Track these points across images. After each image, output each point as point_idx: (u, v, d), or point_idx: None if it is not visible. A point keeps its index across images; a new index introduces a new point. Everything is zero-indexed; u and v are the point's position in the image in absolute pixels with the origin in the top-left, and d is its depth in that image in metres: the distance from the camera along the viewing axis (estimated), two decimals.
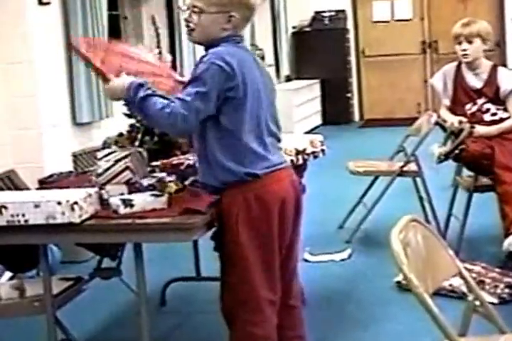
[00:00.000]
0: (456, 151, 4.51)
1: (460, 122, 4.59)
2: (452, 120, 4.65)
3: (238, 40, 2.79)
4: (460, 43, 4.68)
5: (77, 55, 2.89)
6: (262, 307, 2.77)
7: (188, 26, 2.78)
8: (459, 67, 4.82)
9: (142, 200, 2.77)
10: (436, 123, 4.97)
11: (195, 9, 2.73)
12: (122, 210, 2.73)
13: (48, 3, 5.17)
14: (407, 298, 3.85)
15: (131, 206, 2.74)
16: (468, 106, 4.72)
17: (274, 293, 2.81)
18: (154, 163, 3.18)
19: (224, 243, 2.78)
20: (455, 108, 4.81)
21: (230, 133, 2.69)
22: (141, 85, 2.68)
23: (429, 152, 4.69)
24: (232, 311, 2.80)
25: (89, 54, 2.86)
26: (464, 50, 4.67)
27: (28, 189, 3.83)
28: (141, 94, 2.65)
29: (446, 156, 4.56)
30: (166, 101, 2.64)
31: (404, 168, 5.21)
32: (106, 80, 2.79)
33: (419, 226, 2.30)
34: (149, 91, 2.67)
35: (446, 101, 4.86)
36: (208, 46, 2.77)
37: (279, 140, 2.88)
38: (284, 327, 2.91)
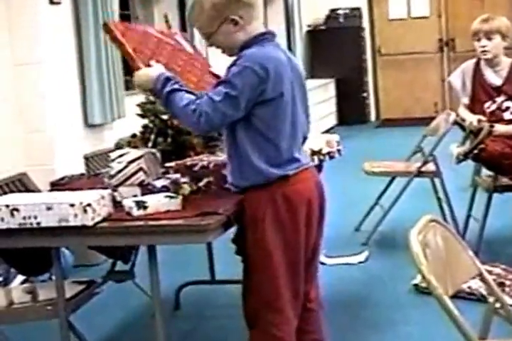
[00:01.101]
0: (475, 151, 4.45)
1: (479, 121, 4.54)
2: (471, 119, 4.59)
3: (269, 37, 2.70)
4: (479, 40, 4.63)
5: (111, 38, 2.78)
6: (285, 308, 2.74)
7: (219, 48, 2.74)
8: (477, 64, 4.77)
9: (156, 202, 2.73)
10: (455, 123, 4.92)
11: (205, 36, 2.71)
12: (136, 212, 2.70)
13: (58, 3, 5.16)
14: (425, 301, 3.83)
15: (145, 208, 2.71)
16: (487, 105, 4.66)
17: (298, 296, 2.78)
18: (168, 164, 3.14)
19: (248, 243, 2.74)
20: (474, 106, 4.76)
21: (264, 134, 2.64)
22: (168, 79, 2.63)
23: (448, 152, 4.64)
24: (255, 312, 2.77)
25: (123, 39, 2.79)
26: (483, 46, 4.61)
27: (39, 191, 3.80)
28: (168, 88, 2.61)
29: (465, 156, 4.50)
30: (192, 97, 2.59)
31: (422, 169, 5.17)
32: (136, 68, 2.72)
33: (439, 227, 2.26)
34: (176, 86, 2.62)
35: (465, 100, 4.81)
36: (241, 49, 2.67)
37: (305, 139, 2.85)
38: (303, 331, 2.88)
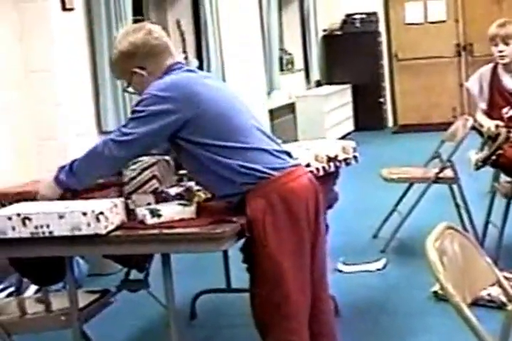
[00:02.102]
0: (494, 157, 4.41)
1: (497, 126, 4.50)
2: (489, 124, 4.55)
3: (175, 68, 2.81)
4: (496, 45, 4.60)
5: None
6: (296, 312, 2.73)
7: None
8: (495, 69, 4.73)
9: (170, 210, 2.70)
10: (473, 128, 4.88)
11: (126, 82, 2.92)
12: (149, 220, 2.67)
13: (71, 9, 5.16)
14: (445, 308, 3.77)
15: (159, 216, 2.68)
16: (505, 110, 4.62)
17: (307, 298, 2.76)
18: (182, 172, 3.11)
19: (253, 250, 2.72)
20: (491, 111, 4.72)
21: (216, 144, 2.67)
22: (61, 167, 2.80)
23: (466, 158, 4.59)
24: (266, 320, 2.74)
25: None
26: (501, 51, 4.59)
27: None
28: (67, 167, 2.79)
29: (484, 162, 4.45)
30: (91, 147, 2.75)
31: (440, 175, 5.12)
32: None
33: (456, 234, 2.24)
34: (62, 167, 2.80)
35: (483, 105, 4.77)
36: None
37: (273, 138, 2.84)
38: (314, 334, 2.86)
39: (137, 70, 2.80)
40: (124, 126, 2.72)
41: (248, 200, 2.68)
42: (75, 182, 2.78)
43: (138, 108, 2.70)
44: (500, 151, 4.41)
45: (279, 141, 2.89)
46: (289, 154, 2.82)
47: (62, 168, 2.80)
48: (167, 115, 2.65)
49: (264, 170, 2.67)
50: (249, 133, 2.73)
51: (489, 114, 4.73)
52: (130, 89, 2.90)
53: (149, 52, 2.79)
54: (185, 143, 2.70)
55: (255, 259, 2.72)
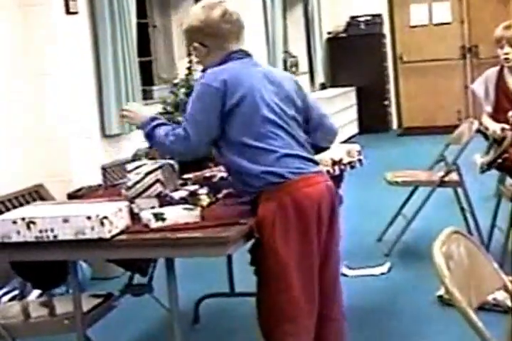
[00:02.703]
0: (499, 160, 4.39)
1: (502, 129, 4.48)
2: (494, 127, 4.53)
3: (236, 56, 2.84)
4: (502, 47, 4.59)
5: None
6: (300, 317, 2.72)
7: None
8: (501, 71, 4.72)
9: (174, 214, 2.69)
10: (478, 131, 4.86)
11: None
12: (154, 224, 2.66)
13: (75, 13, 5.17)
14: (450, 312, 3.73)
15: (163, 220, 2.67)
16: (511, 113, 4.59)
17: (313, 303, 2.75)
18: (186, 176, 3.10)
19: (261, 251, 2.72)
20: (497, 115, 4.70)
21: (242, 141, 2.70)
22: (152, 119, 2.87)
23: (472, 161, 4.57)
24: (270, 322, 2.74)
25: None
26: (507, 53, 4.56)
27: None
28: (150, 126, 2.85)
29: (489, 166, 4.43)
30: (169, 128, 2.81)
31: (445, 178, 5.10)
32: None
33: (462, 239, 2.22)
34: (158, 122, 2.85)
35: (488, 108, 4.75)
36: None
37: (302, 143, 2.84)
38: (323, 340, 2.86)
39: (198, 46, 2.85)
40: (184, 117, 2.79)
41: (261, 201, 2.71)
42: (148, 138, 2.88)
43: (191, 99, 2.77)
44: (506, 155, 4.39)
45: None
46: (313, 161, 2.83)
47: (152, 120, 2.87)
48: (215, 107, 2.70)
49: (282, 173, 2.69)
50: (276, 135, 2.73)
51: (495, 117, 4.70)
52: (193, 57, 2.97)
53: (214, 32, 2.83)
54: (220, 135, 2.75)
55: (262, 260, 2.73)
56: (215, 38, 2.83)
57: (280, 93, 2.81)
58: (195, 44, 2.85)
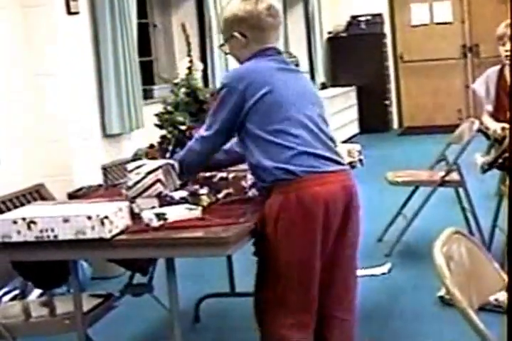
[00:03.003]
0: (500, 160, 4.37)
1: (503, 129, 4.47)
2: (495, 127, 4.53)
3: (267, 53, 2.85)
4: (504, 44, 4.57)
5: None
6: (297, 311, 2.73)
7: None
8: (501, 70, 4.71)
9: (176, 213, 2.69)
10: (479, 131, 4.85)
11: (222, 41, 2.96)
12: (155, 224, 2.65)
13: (76, 13, 5.16)
14: (451, 313, 3.73)
15: (165, 220, 2.66)
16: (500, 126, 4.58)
17: (311, 300, 2.75)
18: None
19: (263, 244, 2.75)
20: (498, 114, 4.70)
21: (261, 135, 2.72)
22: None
23: (473, 161, 4.56)
24: (266, 314, 2.77)
25: None
26: (508, 51, 4.55)
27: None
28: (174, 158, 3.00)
29: (490, 165, 4.42)
30: (187, 145, 2.94)
31: (446, 178, 5.09)
32: None
33: (463, 239, 2.21)
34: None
35: (489, 107, 4.75)
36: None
37: (332, 141, 2.86)
38: (323, 338, 2.86)
39: (238, 35, 2.84)
40: (208, 118, 2.84)
41: (269, 196, 2.73)
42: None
43: (218, 96, 2.80)
44: (506, 154, 4.38)
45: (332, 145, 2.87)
46: (333, 160, 2.79)
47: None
48: (236, 106, 2.74)
49: (294, 171, 2.68)
50: (296, 133, 2.73)
51: (496, 116, 4.70)
52: (224, 48, 2.96)
53: (258, 25, 2.83)
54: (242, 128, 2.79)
55: (263, 254, 2.76)
56: (257, 31, 2.83)
57: (306, 92, 2.84)
58: (236, 33, 2.84)
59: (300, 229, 2.68)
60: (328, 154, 2.77)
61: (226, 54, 3.03)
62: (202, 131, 2.86)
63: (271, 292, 2.74)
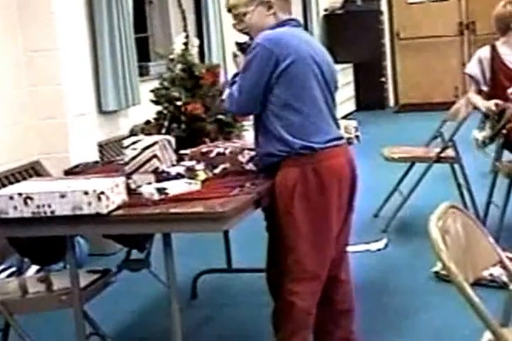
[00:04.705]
0: (504, 131, 4.38)
1: (496, 105, 4.48)
2: (488, 104, 4.53)
3: (291, 23, 2.91)
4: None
5: None
6: (306, 278, 2.82)
7: (245, 33, 2.97)
8: (493, 49, 4.69)
9: (177, 188, 2.70)
10: (475, 108, 4.83)
11: (240, 16, 2.93)
12: (156, 198, 2.65)
13: None
14: (446, 288, 3.77)
15: (166, 195, 2.67)
16: (510, 90, 4.57)
17: (322, 267, 2.85)
18: (183, 152, 3.09)
19: (276, 214, 2.83)
20: (495, 92, 4.69)
21: (286, 104, 2.77)
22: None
23: (472, 138, 4.57)
24: (277, 280, 2.88)
25: None
26: None
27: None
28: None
29: (492, 139, 4.44)
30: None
31: (442, 154, 5.10)
32: None
33: (459, 213, 2.22)
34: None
35: (485, 88, 4.75)
36: None
37: (335, 117, 2.94)
38: (334, 301, 2.99)
39: (265, 3, 2.87)
40: (240, 77, 2.83)
41: (281, 168, 2.80)
42: None
43: (247, 59, 2.81)
44: (510, 125, 4.39)
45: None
46: (339, 134, 2.92)
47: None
48: (268, 68, 2.75)
49: (312, 146, 2.77)
50: (317, 105, 2.81)
51: (493, 95, 4.68)
52: (239, 27, 2.97)
53: None
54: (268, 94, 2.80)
55: (277, 221, 2.83)
56: (282, 2, 2.92)
57: (327, 68, 2.90)
58: (264, 1, 2.87)
59: (317, 199, 2.77)
60: (336, 128, 2.91)
61: (241, 32, 3.01)
62: (234, 90, 2.84)
63: (282, 259, 2.83)
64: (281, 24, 2.88)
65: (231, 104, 2.85)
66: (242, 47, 3.02)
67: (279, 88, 2.76)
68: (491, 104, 4.51)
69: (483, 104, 4.59)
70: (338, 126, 2.97)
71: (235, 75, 2.92)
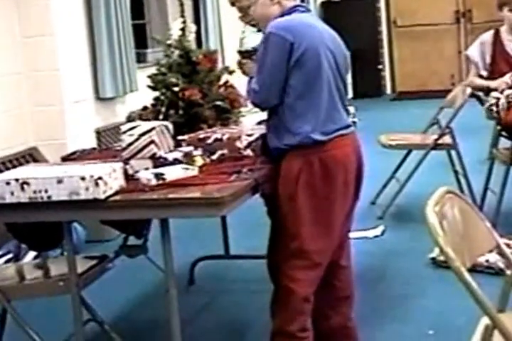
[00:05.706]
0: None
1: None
2: (497, 83, 4.50)
3: (299, 9, 2.89)
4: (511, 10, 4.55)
5: None
6: (308, 266, 2.82)
7: (252, 25, 2.98)
8: (496, 34, 4.67)
9: (174, 174, 2.70)
10: (472, 95, 4.83)
11: (244, 9, 2.93)
12: (154, 183, 2.65)
13: None
14: (443, 274, 3.79)
15: (164, 180, 2.67)
16: (508, 75, 4.56)
17: (324, 256, 2.84)
18: (180, 137, 3.08)
19: (279, 201, 2.82)
20: (493, 78, 4.68)
21: (301, 96, 2.76)
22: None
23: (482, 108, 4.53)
24: (279, 267, 2.87)
25: None
26: None
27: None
28: None
29: None
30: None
31: (439, 141, 5.10)
32: None
33: (456, 199, 2.21)
34: None
35: (484, 72, 4.73)
36: None
37: (344, 103, 2.94)
38: (334, 287, 2.98)
39: None
40: (257, 70, 2.80)
41: (286, 157, 2.80)
42: None
43: (261, 49, 2.78)
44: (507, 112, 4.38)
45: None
46: (347, 122, 2.89)
47: None
48: (283, 57, 2.73)
49: (322, 138, 2.76)
50: (326, 92, 2.80)
51: (491, 80, 4.69)
52: (245, 19, 2.98)
53: None
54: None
55: (280, 212, 2.83)
56: None
57: (339, 52, 2.94)
58: None
59: (322, 188, 2.76)
60: (345, 116, 2.89)
61: (249, 24, 3.01)
62: (253, 84, 2.82)
63: (287, 246, 2.82)
64: (288, 12, 2.85)
65: (254, 98, 2.83)
66: (250, 54, 3.00)
67: (295, 79, 2.75)
68: (507, 77, 4.48)
69: (489, 83, 4.56)
70: (347, 112, 2.95)
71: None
